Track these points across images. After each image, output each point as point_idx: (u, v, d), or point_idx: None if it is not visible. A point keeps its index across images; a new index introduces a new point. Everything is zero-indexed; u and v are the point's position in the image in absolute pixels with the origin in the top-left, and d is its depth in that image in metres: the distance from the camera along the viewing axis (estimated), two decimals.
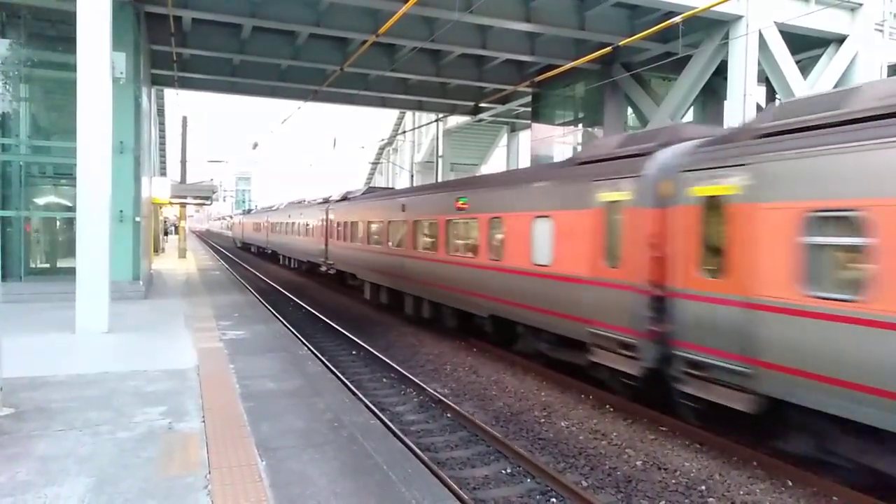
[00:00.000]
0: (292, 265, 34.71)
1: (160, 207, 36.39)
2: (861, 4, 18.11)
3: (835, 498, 6.41)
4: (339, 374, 10.60)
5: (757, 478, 6.91)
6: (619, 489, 6.77)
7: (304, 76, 25.77)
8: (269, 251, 42.74)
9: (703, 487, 6.75)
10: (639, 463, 7.42)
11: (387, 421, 8.28)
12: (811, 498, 6.47)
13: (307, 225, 29.65)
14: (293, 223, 33.24)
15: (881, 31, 18.49)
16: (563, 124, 27.30)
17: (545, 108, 28.21)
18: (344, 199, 24.50)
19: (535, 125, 28.93)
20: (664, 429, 8.43)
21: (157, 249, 36.43)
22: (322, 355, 12.00)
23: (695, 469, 7.19)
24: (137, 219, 16.53)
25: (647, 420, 8.74)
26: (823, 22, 17.80)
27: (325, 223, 25.86)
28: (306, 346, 12.04)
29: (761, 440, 7.35)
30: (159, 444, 5.81)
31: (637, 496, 6.62)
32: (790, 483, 6.74)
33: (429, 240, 15.31)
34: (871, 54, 18.50)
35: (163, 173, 45.01)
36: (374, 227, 19.39)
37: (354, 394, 9.32)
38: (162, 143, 45.47)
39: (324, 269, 26.47)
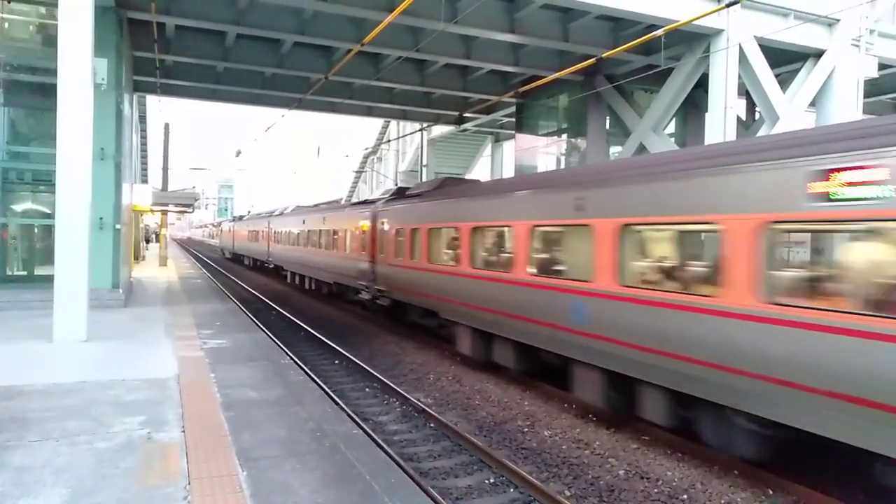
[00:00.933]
0: (307, 286, 26.52)
1: (141, 215, 36.03)
2: (838, 20, 18.49)
3: None
4: (322, 384, 10.54)
5: (738, 486, 6.96)
6: (602, 498, 6.78)
7: (288, 84, 25.66)
8: (271, 265, 34.36)
9: (685, 496, 6.78)
10: (621, 472, 7.45)
11: (369, 431, 8.23)
12: None
13: (335, 235, 22.14)
14: (310, 232, 25.85)
15: (858, 46, 18.89)
16: (547, 135, 27.48)
17: (529, 119, 28.37)
18: (400, 195, 17.44)
19: (518, 135, 29.06)
20: (647, 438, 8.47)
21: (138, 257, 36.05)
22: (304, 364, 11.93)
23: (677, 478, 7.23)
24: (118, 226, 16.36)
25: (630, 429, 8.77)
26: (802, 37, 18.17)
27: (368, 233, 18.28)
28: (288, 355, 11.95)
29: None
30: (138, 455, 5.72)
31: None
32: (770, 492, 6.80)
33: (677, 271, 7.97)
34: (847, 69, 18.91)
35: (144, 180, 44.64)
36: (486, 240, 12.26)
37: (337, 403, 9.27)
38: (143, 150, 45.06)
39: (365, 296, 18.36)
